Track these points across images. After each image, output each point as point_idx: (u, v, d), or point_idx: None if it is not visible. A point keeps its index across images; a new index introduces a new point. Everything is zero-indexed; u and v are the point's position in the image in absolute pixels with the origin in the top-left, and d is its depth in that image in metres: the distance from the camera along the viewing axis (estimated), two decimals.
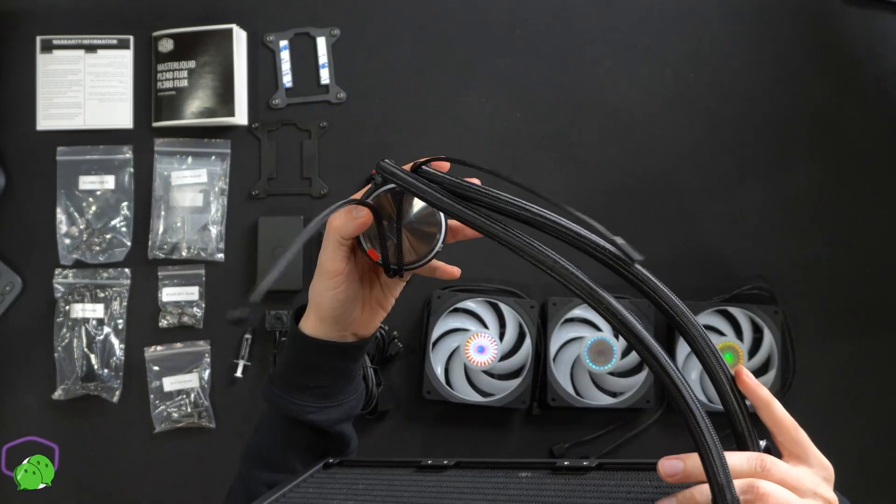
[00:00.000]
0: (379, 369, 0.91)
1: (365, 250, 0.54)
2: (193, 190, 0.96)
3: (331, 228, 0.53)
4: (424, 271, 0.56)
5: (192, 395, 0.93)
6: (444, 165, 0.51)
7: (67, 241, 0.95)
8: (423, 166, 0.50)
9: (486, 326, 0.90)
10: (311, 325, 0.57)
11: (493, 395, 0.88)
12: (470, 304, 0.90)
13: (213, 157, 0.96)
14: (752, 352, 0.91)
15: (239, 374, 0.93)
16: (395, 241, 0.53)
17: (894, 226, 0.96)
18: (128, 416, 0.93)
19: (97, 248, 0.95)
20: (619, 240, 0.39)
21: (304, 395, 0.57)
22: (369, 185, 0.53)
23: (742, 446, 0.41)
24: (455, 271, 0.59)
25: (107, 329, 0.94)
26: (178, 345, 0.94)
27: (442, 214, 0.53)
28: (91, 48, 0.98)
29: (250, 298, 0.43)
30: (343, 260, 0.53)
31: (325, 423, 0.58)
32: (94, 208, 0.95)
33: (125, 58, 0.98)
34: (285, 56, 0.98)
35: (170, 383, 0.93)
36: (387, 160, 0.51)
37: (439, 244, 0.53)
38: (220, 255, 0.95)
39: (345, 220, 0.52)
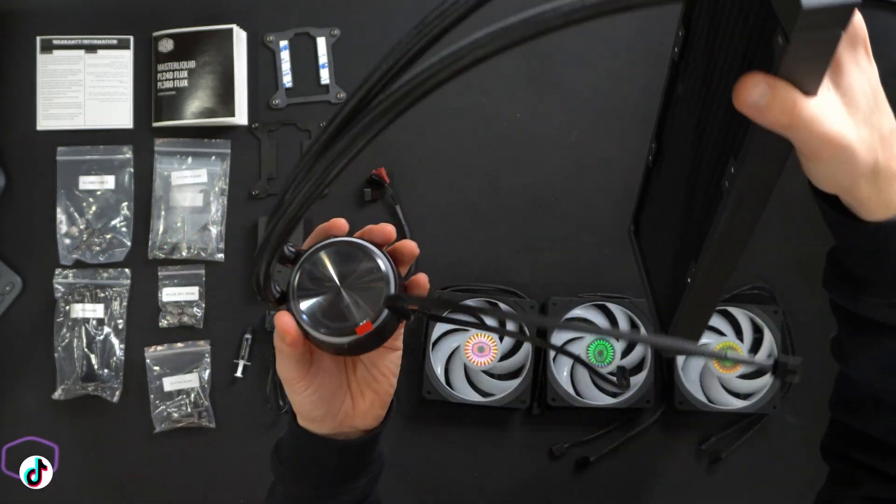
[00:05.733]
0: None
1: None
2: (193, 190, 0.96)
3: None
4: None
5: (193, 395, 0.93)
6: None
7: (67, 241, 0.95)
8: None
9: None
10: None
11: (493, 395, 0.88)
12: (470, 305, 0.90)
13: (213, 157, 0.96)
14: (753, 352, 0.90)
15: (239, 374, 0.93)
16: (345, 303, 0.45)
17: None
18: (128, 416, 0.93)
19: (97, 248, 0.95)
20: None
21: (311, 483, 0.52)
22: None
23: None
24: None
25: (107, 329, 0.94)
26: (179, 345, 0.94)
27: (381, 262, 0.46)
28: (91, 48, 0.98)
29: None
30: (295, 368, 0.47)
31: None
32: (94, 208, 0.95)
33: (125, 58, 0.98)
34: (285, 56, 0.98)
35: (170, 383, 0.93)
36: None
37: (392, 288, 0.45)
38: (221, 255, 0.95)
39: (278, 345, 0.47)
